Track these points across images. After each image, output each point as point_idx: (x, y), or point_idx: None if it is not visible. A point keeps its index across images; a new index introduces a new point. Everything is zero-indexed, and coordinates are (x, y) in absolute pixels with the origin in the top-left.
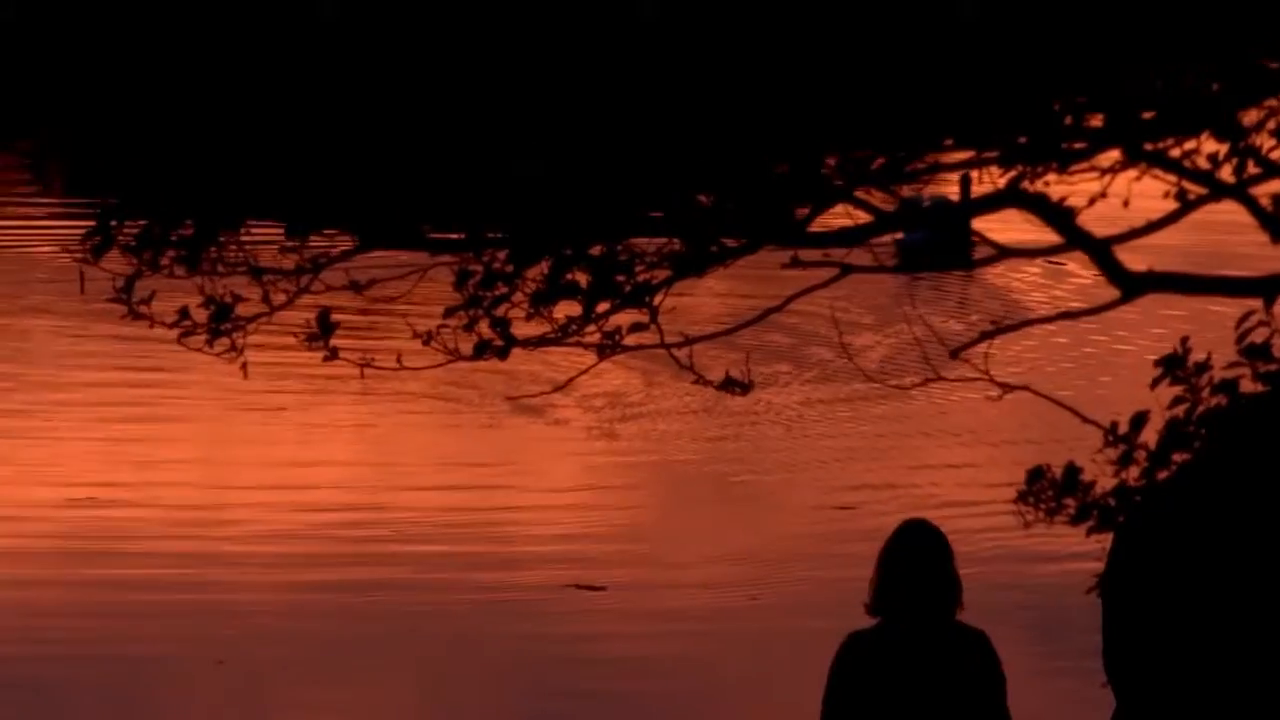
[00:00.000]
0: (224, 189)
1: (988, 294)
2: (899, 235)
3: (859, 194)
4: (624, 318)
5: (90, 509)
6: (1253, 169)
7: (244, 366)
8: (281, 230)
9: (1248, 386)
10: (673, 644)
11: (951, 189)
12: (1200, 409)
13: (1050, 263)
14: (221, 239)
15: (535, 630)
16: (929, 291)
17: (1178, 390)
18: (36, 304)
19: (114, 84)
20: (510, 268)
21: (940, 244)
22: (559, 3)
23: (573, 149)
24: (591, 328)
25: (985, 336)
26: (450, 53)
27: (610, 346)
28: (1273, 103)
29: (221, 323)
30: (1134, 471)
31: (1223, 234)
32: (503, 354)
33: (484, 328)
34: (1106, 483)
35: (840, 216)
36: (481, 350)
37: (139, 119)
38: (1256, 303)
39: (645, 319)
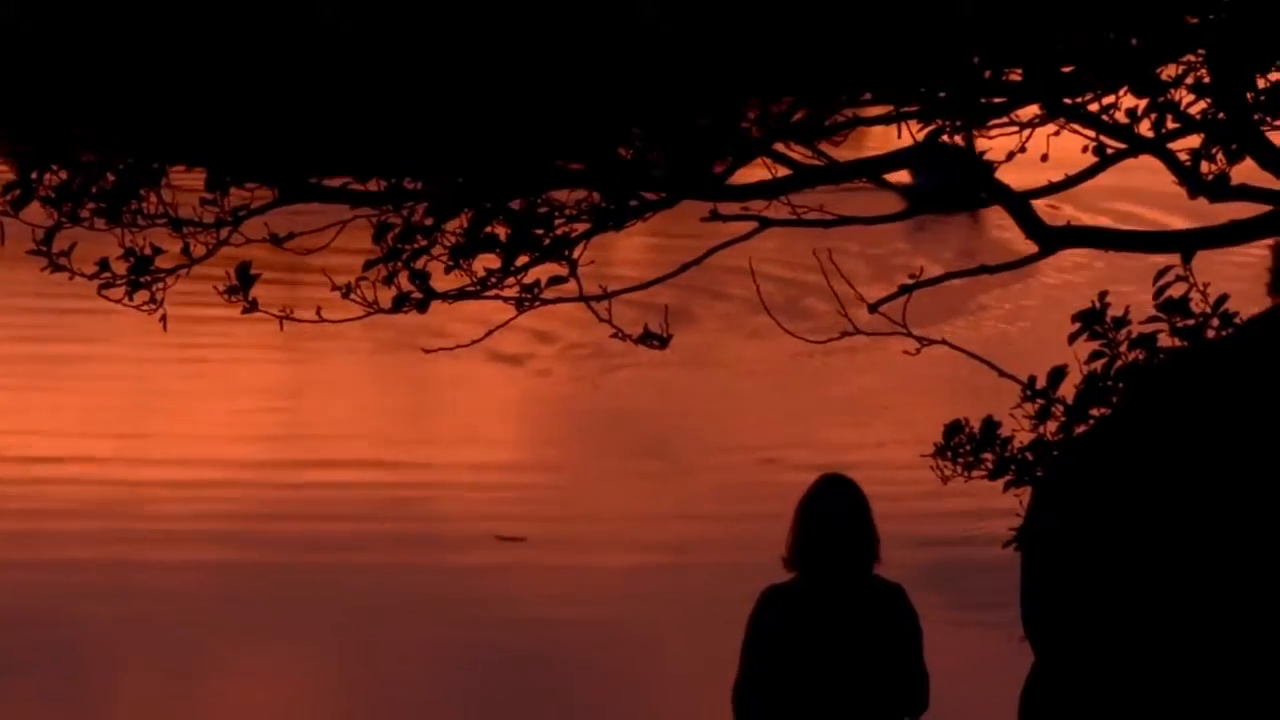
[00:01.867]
0: (144, 138)
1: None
2: (906, 180)
3: (778, 148)
4: (544, 270)
5: (9, 472)
6: (1171, 124)
7: (163, 319)
8: (202, 182)
9: (1165, 341)
10: (591, 592)
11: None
12: (1118, 364)
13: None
14: (141, 192)
15: (455, 583)
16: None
17: (1096, 345)
18: None
19: (34, 34)
20: (429, 221)
21: (952, 188)
22: None
23: (492, 100)
24: (511, 281)
25: (903, 291)
26: (368, 4)
27: (529, 300)
28: (1191, 58)
29: (141, 275)
30: (1052, 426)
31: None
32: (422, 307)
33: (403, 280)
34: (1024, 437)
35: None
36: (400, 303)
37: (59, 68)
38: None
39: (564, 272)
